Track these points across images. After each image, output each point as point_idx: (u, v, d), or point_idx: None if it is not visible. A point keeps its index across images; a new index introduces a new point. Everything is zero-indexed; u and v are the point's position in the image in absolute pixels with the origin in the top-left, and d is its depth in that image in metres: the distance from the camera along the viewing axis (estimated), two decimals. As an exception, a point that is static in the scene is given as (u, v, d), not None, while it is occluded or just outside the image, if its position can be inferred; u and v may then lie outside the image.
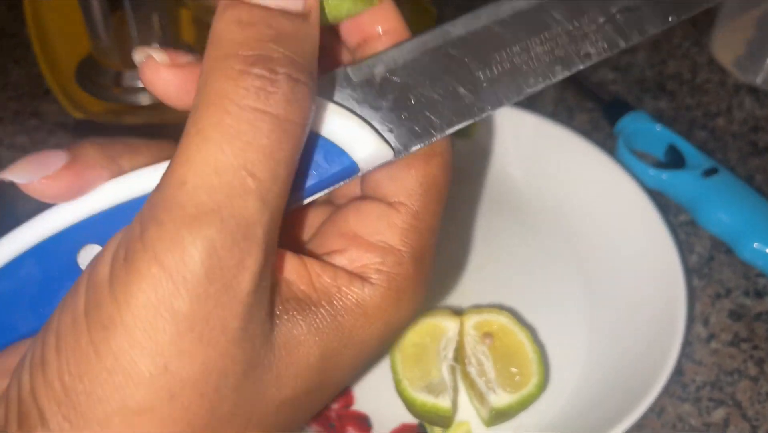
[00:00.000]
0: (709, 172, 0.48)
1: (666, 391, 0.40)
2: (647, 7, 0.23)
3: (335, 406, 0.39)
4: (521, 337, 0.39)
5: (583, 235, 0.46)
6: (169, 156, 0.21)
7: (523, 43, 0.23)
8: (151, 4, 0.52)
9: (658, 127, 0.51)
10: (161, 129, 0.53)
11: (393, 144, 0.23)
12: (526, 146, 0.49)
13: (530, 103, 0.56)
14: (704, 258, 0.47)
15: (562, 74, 0.23)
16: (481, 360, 0.38)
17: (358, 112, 0.23)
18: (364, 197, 0.26)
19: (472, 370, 0.38)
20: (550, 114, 0.54)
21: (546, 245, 0.46)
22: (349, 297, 0.23)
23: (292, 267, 0.23)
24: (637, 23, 0.23)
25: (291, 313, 0.22)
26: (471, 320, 0.39)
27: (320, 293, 0.23)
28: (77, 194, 0.23)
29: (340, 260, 0.24)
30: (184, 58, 0.22)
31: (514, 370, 0.37)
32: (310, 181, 0.23)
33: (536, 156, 0.49)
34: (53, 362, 0.20)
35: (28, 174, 0.22)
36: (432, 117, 0.23)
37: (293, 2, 0.21)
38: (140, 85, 0.54)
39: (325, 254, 0.25)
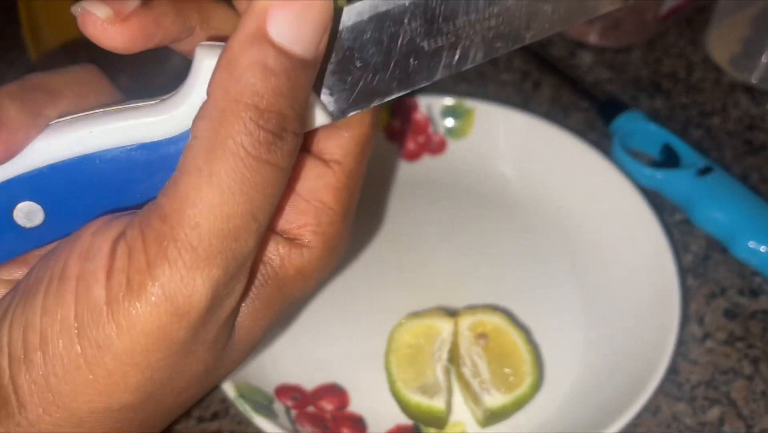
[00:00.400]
0: (704, 171, 0.48)
1: (661, 390, 0.40)
2: None
3: (330, 407, 0.39)
4: (515, 337, 0.39)
5: (577, 235, 0.46)
6: (95, 98, 0.23)
7: (470, 17, 0.23)
8: (145, 6, 0.52)
9: (653, 127, 0.51)
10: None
11: (332, 109, 0.23)
12: (520, 146, 0.49)
13: (525, 103, 0.56)
14: (699, 257, 0.47)
15: (504, 50, 0.23)
16: (476, 361, 0.38)
17: None
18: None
19: (467, 371, 0.38)
20: (545, 113, 0.54)
21: (540, 245, 0.46)
22: (291, 266, 0.24)
23: None
24: (581, 6, 0.23)
25: (247, 295, 0.24)
26: (465, 321, 0.39)
27: (267, 267, 0.24)
28: (7, 159, 0.23)
29: (276, 221, 0.25)
30: (128, 5, 0.22)
31: (508, 370, 0.37)
32: None
33: (531, 156, 0.49)
34: (38, 363, 0.21)
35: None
36: (373, 84, 0.23)
37: (310, 48, 0.21)
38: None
39: None
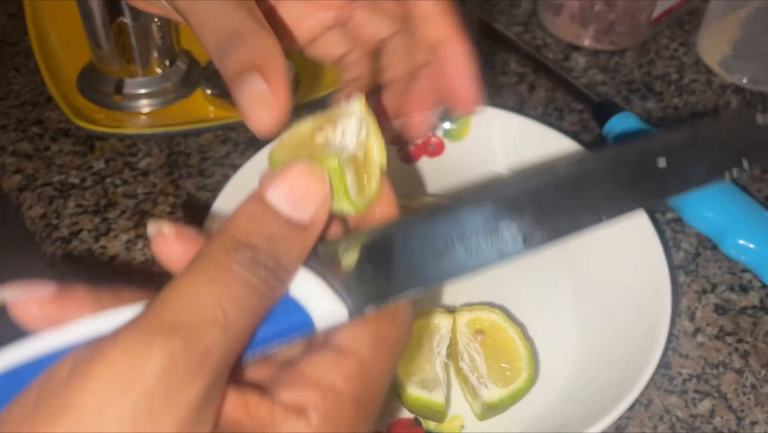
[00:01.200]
0: (695, 171, 0.49)
1: (653, 383, 0.41)
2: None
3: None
4: (511, 333, 0.40)
5: (572, 233, 0.47)
6: None
7: (475, 236, 0.26)
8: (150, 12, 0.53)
9: (646, 128, 0.52)
10: (161, 138, 0.54)
11: (348, 305, 0.25)
12: (515, 148, 0.50)
13: (520, 105, 0.57)
14: (691, 254, 0.48)
15: (506, 259, 0.26)
16: (474, 356, 0.39)
17: (320, 273, 0.25)
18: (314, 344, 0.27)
19: (465, 366, 0.39)
20: (539, 115, 0.55)
21: (536, 243, 0.47)
22: (283, 432, 0.24)
23: (229, 397, 0.24)
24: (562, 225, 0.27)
25: None
26: (463, 318, 0.40)
27: (255, 423, 0.24)
28: (57, 322, 0.24)
29: (281, 394, 0.25)
30: (190, 232, 0.26)
31: (505, 365, 0.39)
32: (266, 331, 0.25)
33: (526, 157, 0.50)
34: None
35: (16, 294, 0.25)
36: (387, 284, 0.26)
37: (302, 213, 0.25)
38: (141, 91, 0.56)
39: (267, 385, 0.26)
